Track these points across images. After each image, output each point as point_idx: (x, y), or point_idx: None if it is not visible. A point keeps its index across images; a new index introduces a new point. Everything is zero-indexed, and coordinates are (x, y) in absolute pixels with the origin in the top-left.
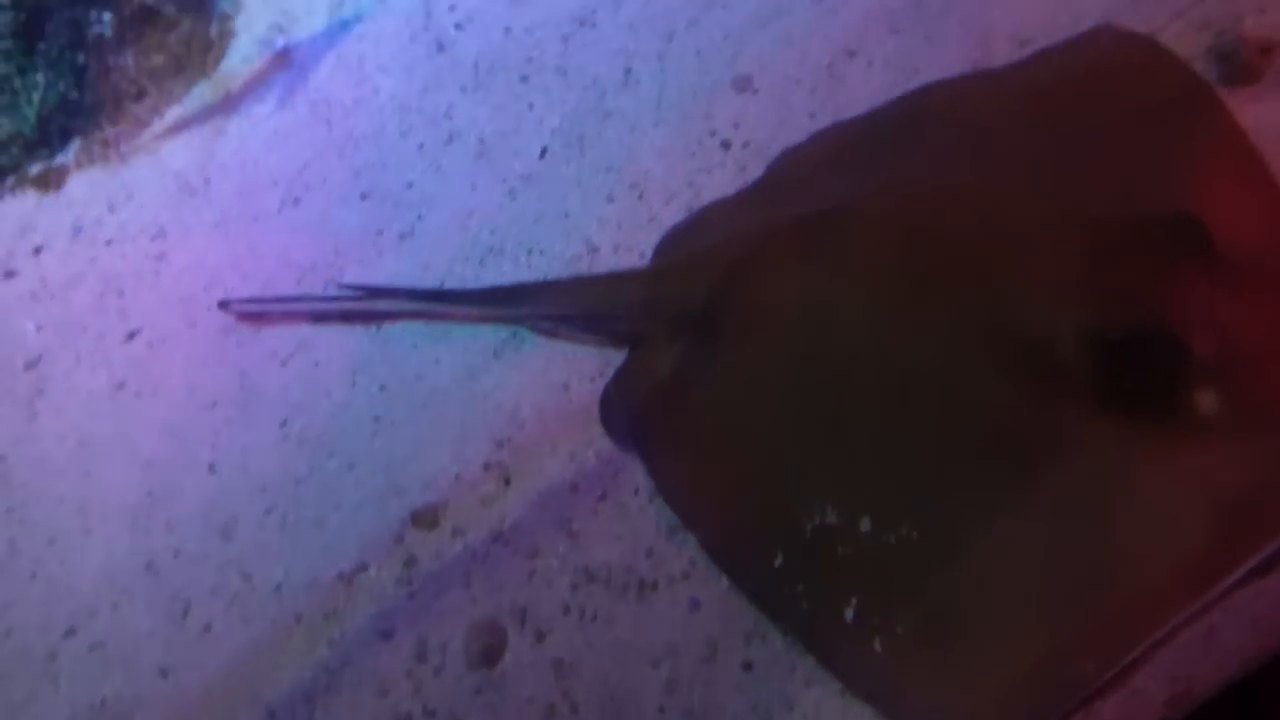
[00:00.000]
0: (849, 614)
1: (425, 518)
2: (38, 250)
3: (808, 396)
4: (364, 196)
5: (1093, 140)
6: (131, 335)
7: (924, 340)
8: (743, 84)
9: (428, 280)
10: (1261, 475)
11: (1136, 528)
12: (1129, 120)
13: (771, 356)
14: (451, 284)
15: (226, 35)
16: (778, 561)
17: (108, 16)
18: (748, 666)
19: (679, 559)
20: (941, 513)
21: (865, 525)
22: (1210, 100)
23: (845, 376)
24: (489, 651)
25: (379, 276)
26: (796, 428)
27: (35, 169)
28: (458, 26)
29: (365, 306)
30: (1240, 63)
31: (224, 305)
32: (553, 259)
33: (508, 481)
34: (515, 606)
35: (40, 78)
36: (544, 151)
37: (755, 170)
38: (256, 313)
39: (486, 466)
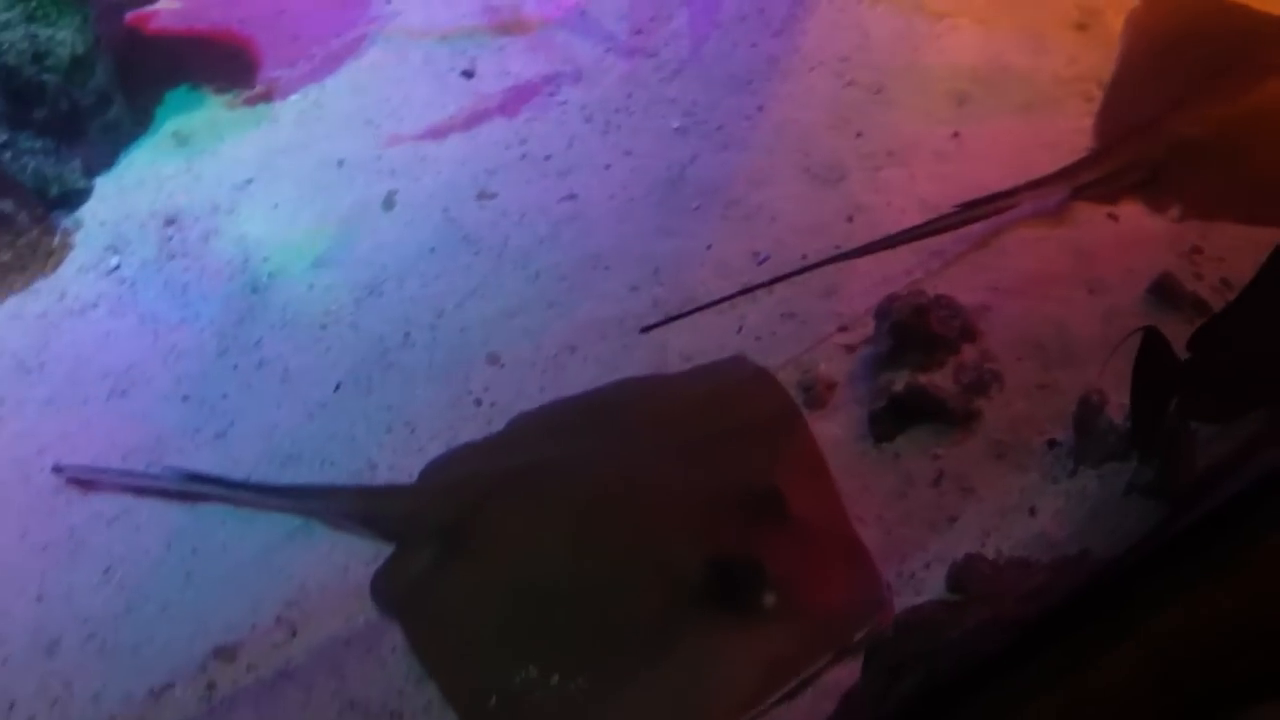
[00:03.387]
0: None
1: (226, 653)
2: None
3: (519, 593)
4: (185, 399)
5: (718, 432)
6: None
7: (596, 559)
8: (493, 358)
9: (236, 474)
10: (794, 645)
11: (719, 673)
12: (743, 421)
13: (495, 563)
14: (257, 479)
15: (66, 247)
16: (492, 702)
17: None
18: None
19: (422, 697)
20: (600, 672)
21: (554, 679)
22: (795, 415)
23: (543, 581)
24: None
25: (195, 465)
26: (511, 612)
27: None
28: (270, 275)
29: (183, 487)
30: (815, 393)
31: (58, 470)
32: (341, 470)
33: (295, 633)
34: None
35: None
36: (338, 386)
37: (498, 425)
38: (87, 479)
39: (278, 620)
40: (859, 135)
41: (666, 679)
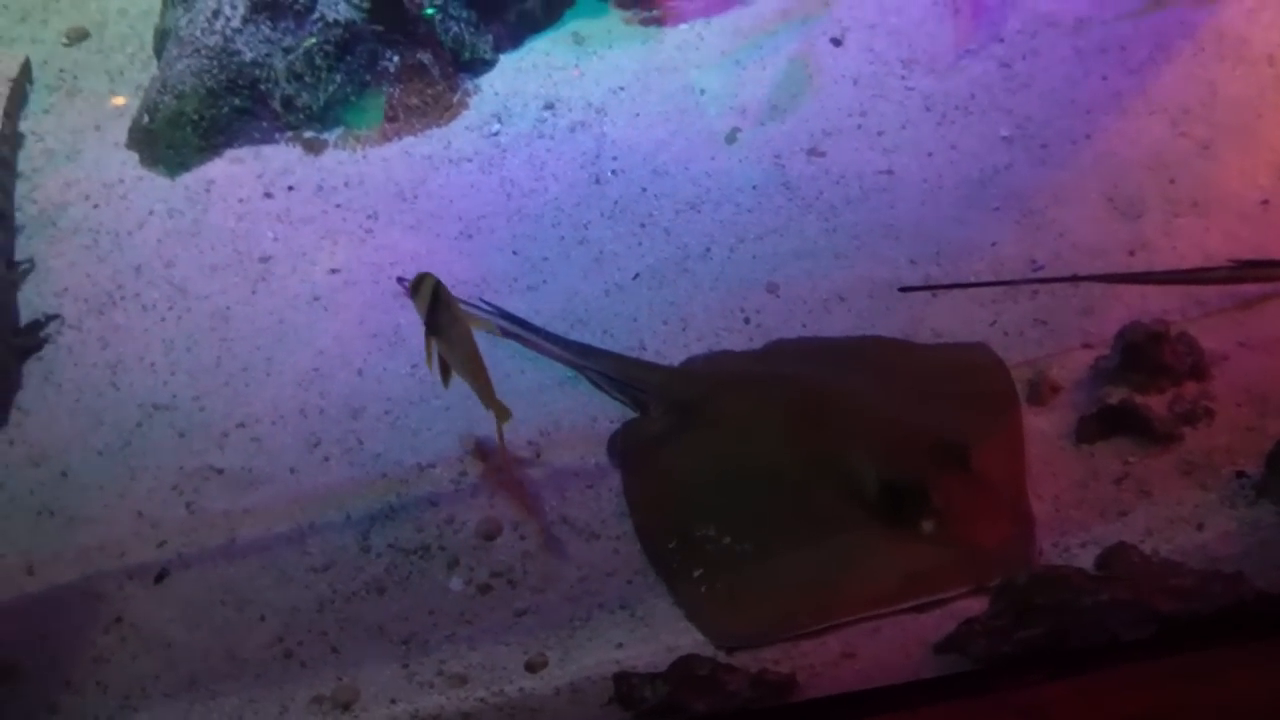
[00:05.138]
0: (696, 574)
1: (481, 453)
2: (290, 188)
3: (721, 468)
4: (514, 253)
5: (939, 395)
6: (333, 271)
7: (794, 457)
8: (772, 288)
9: (535, 321)
10: (937, 568)
11: (865, 571)
12: (964, 394)
13: (710, 441)
14: (550, 330)
15: (462, 105)
16: (671, 544)
17: (395, 58)
18: (630, 583)
19: (618, 529)
20: (768, 542)
21: (726, 539)
22: (1014, 403)
23: (744, 464)
24: (489, 533)
25: (506, 306)
26: (710, 482)
27: (308, 134)
28: (613, 173)
29: (493, 320)
30: (1038, 393)
31: (400, 280)
32: (616, 343)
33: (539, 455)
34: (515, 519)
35: (338, 77)
36: (637, 275)
37: (756, 343)
38: None
39: (529, 442)
40: (1171, 181)
41: (818, 561)
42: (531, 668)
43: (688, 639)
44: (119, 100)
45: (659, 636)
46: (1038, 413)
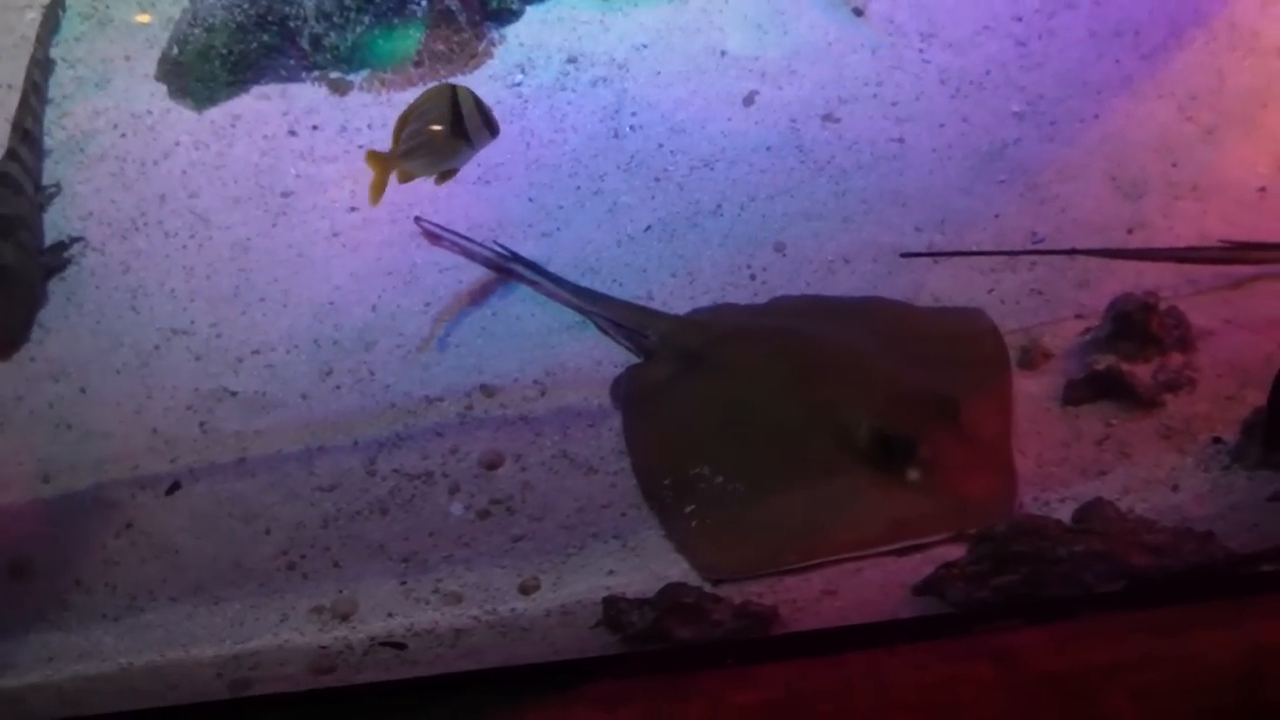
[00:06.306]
0: (689, 509)
1: (488, 390)
2: (315, 127)
3: (718, 412)
4: (530, 200)
5: (933, 355)
6: (352, 209)
7: (790, 404)
8: (779, 247)
9: (548, 268)
10: (919, 514)
11: (851, 514)
12: (957, 355)
13: (710, 387)
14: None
15: (486, 55)
16: (666, 481)
17: (424, 3)
18: (624, 515)
19: (616, 465)
20: (759, 483)
21: (720, 479)
22: (1005, 366)
23: (741, 408)
24: (491, 463)
25: (519, 251)
26: (707, 424)
27: (334, 75)
28: (632, 128)
29: (505, 264)
30: (1030, 358)
31: (417, 220)
32: (625, 292)
33: (544, 394)
34: (516, 451)
35: (366, 19)
36: (648, 228)
37: (760, 298)
38: (435, 234)
39: (535, 382)
40: (1174, 165)
41: (806, 503)
42: (524, 590)
43: (676, 570)
44: (144, 18)
45: (649, 566)
46: (1028, 376)
